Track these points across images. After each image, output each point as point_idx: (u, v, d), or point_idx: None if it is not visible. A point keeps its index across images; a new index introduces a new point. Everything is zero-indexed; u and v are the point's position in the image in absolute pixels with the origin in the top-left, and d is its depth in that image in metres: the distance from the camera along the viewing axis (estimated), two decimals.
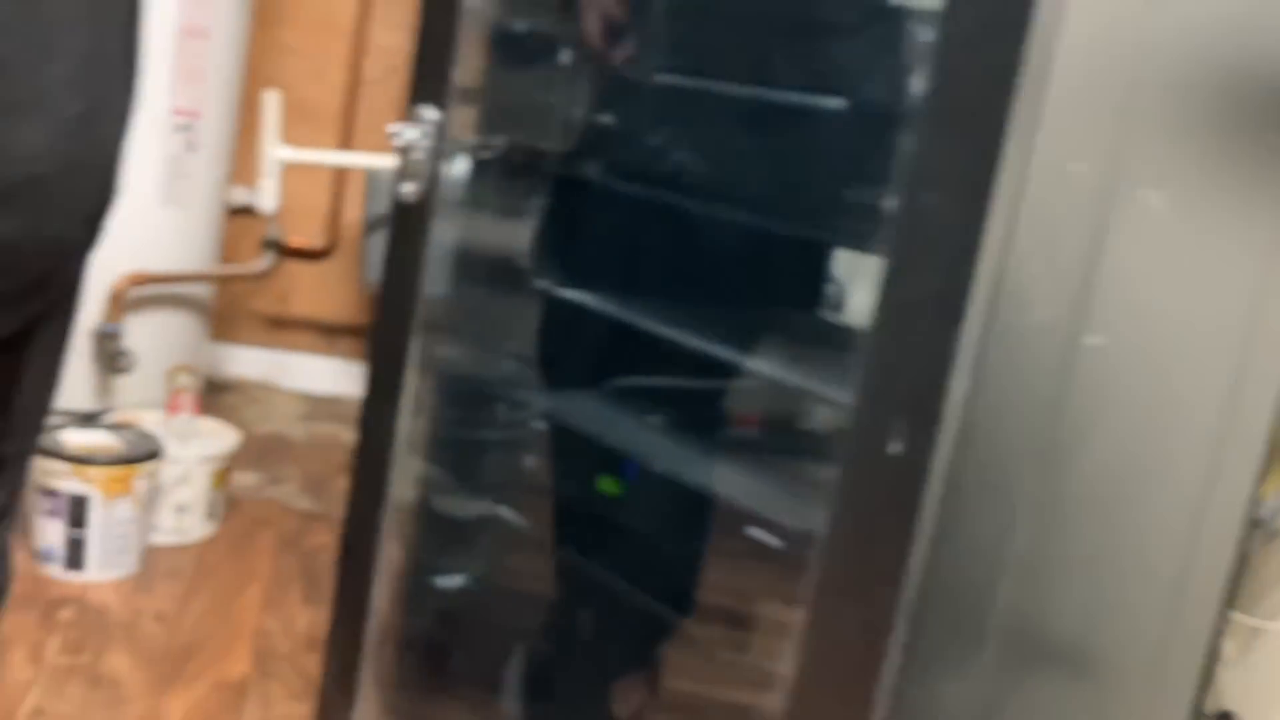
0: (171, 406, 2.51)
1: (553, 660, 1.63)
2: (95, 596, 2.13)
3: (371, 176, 3.27)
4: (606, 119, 1.39)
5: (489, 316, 1.43)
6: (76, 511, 2.15)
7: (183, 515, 2.40)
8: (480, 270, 1.40)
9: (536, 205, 1.40)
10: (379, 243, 3.31)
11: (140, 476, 2.21)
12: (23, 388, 1.03)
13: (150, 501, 2.27)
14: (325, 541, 2.57)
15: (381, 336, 1.38)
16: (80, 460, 2.16)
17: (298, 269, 3.71)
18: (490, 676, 1.62)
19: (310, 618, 2.19)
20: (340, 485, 3.00)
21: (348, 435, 3.46)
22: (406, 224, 1.34)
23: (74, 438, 2.22)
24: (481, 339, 1.43)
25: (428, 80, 1.31)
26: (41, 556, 2.18)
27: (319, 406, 3.65)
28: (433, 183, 1.32)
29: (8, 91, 0.85)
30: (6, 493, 1.10)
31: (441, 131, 1.30)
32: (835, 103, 1.20)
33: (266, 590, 2.27)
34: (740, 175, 1.25)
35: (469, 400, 1.43)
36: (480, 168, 1.38)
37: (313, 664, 2.03)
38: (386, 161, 3.21)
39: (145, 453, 2.22)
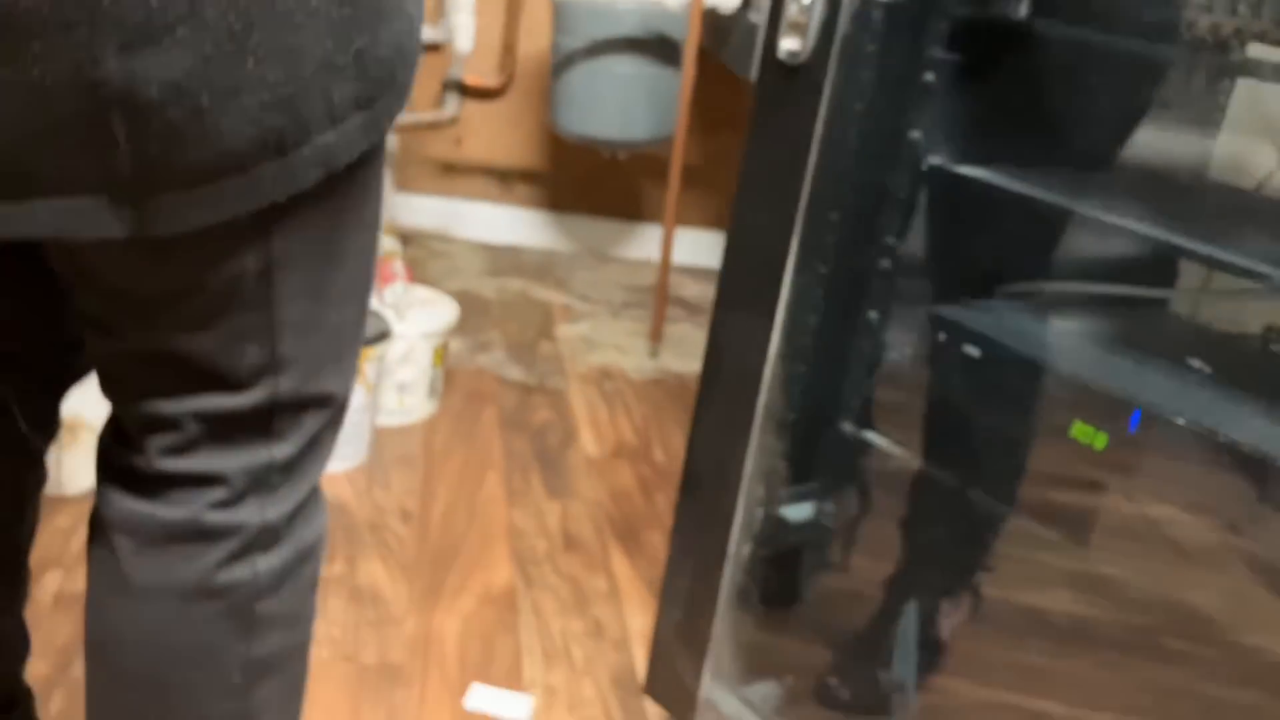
0: (382, 276, 2.29)
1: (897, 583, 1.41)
2: (331, 490, 1.96)
3: (560, 6, 2.95)
4: None
5: (868, 202, 1.16)
6: None
7: (405, 394, 2.22)
8: (859, 144, 1.12)
9: (934, 60, 1.10)
10: (570, 81, 3.02)
11: (370, 360, 2.01)
12: (279, 298, 0.78)
13: (378, 384, 2.08)
14: (548, 418, 2.38)
15: (749, 235, 1.11)
16: None
17: (471, 109, 3.45)
18: (831, 605, 1.42)
19: (558, 512, 2.01)
20: (544, 350, 2.80)
21: (537, 291, 3.26)
22: (789, 92, 1.06)
23: None
24: (858, 232, 1.16)
25: None
26: None
27: (501, 258, 3.44)
28: (826, 39, 1.03)
29: None
30: (297, 445, 0.84)
31: None
32: None
33: (505, 478, 2.09)
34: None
35: (839, 309, 1.17)
36: (863, 14, 1.08)
37: (573, 566, 1.86)
38: None
39: (376, 333, 2.01)
